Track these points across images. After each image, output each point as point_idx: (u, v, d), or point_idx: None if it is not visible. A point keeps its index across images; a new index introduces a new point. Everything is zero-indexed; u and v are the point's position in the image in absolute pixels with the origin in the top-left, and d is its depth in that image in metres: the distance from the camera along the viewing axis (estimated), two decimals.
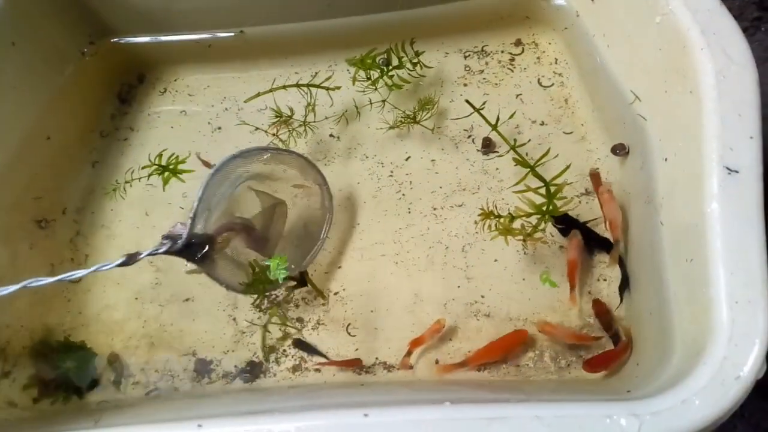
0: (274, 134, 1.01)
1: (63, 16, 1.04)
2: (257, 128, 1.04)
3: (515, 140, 0.77)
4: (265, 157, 0.90)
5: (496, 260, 0.89)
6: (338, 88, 0.99)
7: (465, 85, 1.04)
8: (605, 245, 0.87)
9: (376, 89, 0.99)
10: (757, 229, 0.60)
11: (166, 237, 0.77)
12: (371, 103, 1.02)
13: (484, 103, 0.82)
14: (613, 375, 0.77)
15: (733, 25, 0.71)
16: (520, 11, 1.05)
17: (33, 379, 0.88)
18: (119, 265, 0.73)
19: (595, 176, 0.90)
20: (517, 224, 0.81)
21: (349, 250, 0.94)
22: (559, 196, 0.77)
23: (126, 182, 0.98)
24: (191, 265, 0.81)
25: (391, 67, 0.96)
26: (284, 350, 0.88)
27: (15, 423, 0.83)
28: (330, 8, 1.04)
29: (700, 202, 0.63)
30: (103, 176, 1.06)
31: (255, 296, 0.91)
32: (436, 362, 0.84)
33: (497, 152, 0.98)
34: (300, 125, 1.00)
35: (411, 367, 0.84)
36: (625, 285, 0.83)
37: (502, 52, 1.06)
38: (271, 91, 0.98)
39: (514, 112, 0.92)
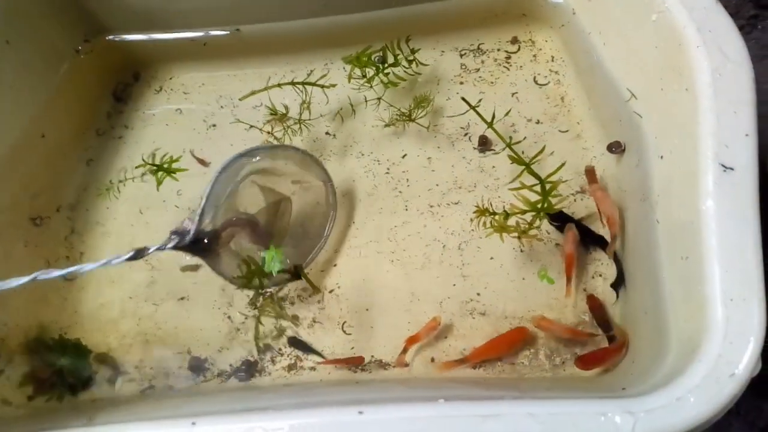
0: (269, 132, 1.01)
1: (58, 14, 1.04)
2: (252, 126, 1.04)
3: (510, 138, 0.77)
4: (270, 153, 0.90)
5: (492, 258, 0.89)
6: (334, 85, 0.99)
7: (461, 83, 1.04)
8: (600, 242, 0.87)
9: (371, 87, 0.99)
10: (752, 227, 0.60)
11: (174, 232, 0.78)
12: (366, 101, 1.01)
13: (479, 101, 0.82)
14: (608, 372, 0.77)
15: (729, 23, 0.70)
16: (517, 8, 1.05)
17: (28, 377, 0.87)
18: (129, 260, 0.74)
19: (590, 172, 0.90)
20: (512, 222, 0.81)
21: (345, 248, 0.94)
22: (555, 193, 0.77)
23: (119, 182, 0.98)
24: (187, 261, 0.81)
25: (386, 65, 0.96)
26: (279, 349, 0.88)
27: (9, 421, 0.82)
28: (326, 6, 1.04)
29: (696, 199, 0.63)
30: (98, 174, 1.05)
31: (251, 293, 0.91)
32: (432, 360, 0.84)
33: (493, 150, 0.97)
34: (295, 123, 1.00)
35: (407, 365, 0.84)
36: (620, 282, 0.83)
37: (498, 50, 1.06)
38: (266, 89, 0.98)
39: (509, 110, 0.92)
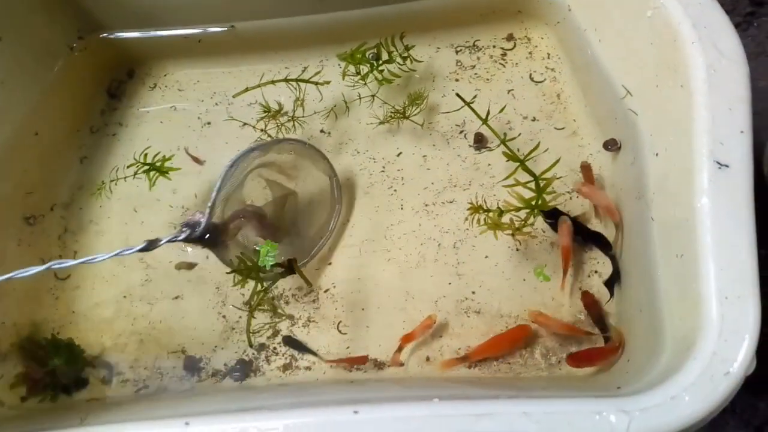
0: (262, 129, 1.01)
1: (51, 11, 1.03)
2: (245, 123, 1.03)
3: (505, 135, 0.76)
4: (276, 147, 0.91)
5: (487, 257, 0.89)
6: (328, 83, 0.98)
7: (457, 80, 1.04)
8: (597, 239, 0.86)
9: (365, 84, 0.98)
10: (747, 224, 0.60)
11: (185, 224, 0.79)
12: (360, 98, 1.01)
13: (474, 97, 0.82)
14: (604, 371, 0.77)
15: (724, 19, 0.70)
16: (513, 5, 1.04)
17: (20, 377, 0.87)
18: (140, 251, 0.74)
19: (585, 169, 0.90)
20: (506, 219, 0.81)
21: (340, 247, 0.94)
22: (550, 190, 0.76)
23: (111, 181, 0.98)
24: (182, 259, 0.81)
25: (380, 62, 0.95)
26: (274, 348, 0.88)
27: (2, 422, 0.82)
28: (321, 2, 1.03)
29: (691, 197, 0.63)
30: (92, 172, 1.05)
31: (246, 292, 0.91)
32: (427, 359, 0.84)
33: (489, 148, 0.97)
34: (288, 120, 0.99)
35: (402, 364, 0.84)
36: (614, 279, 0.83)
37: (494, 47, 1.06)
38: (259, 86, 0.97)
39: (504, 106, 0.92)
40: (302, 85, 0.98)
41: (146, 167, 0.92)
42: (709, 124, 0.65)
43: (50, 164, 1.03)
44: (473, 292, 0.87)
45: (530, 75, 1.02)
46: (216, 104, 1.08)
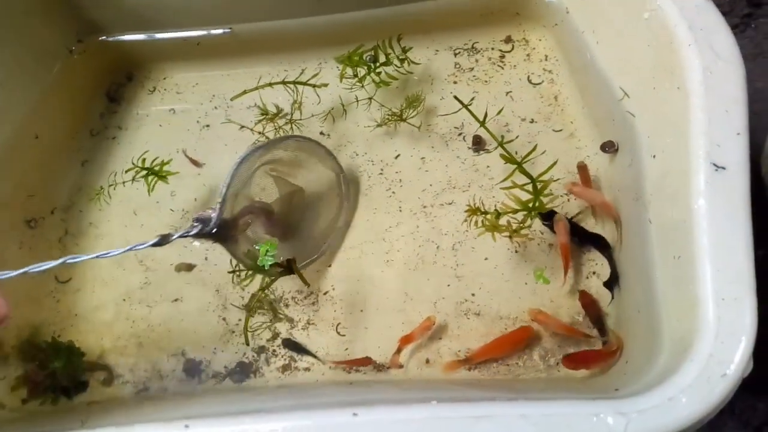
0: (259, 132, 1.01)
1: (50, 14, 1.04)
2: (243, 126, 1.03)
3: (502, 137, 0.76)
4: (282, 144, 0.91)
5: (486, 259, 0.89)
6: (325, 85, 0.98)
7: (455, 82, 1.04)
8: (594, 241, 0.87)
9: (362, 87, 0.98)
10: (744, 226, 0.60)
11: (197, 219, 0.79)
12: (358, 101, 1.01)
13: (472, 100, 0.82)
14: (603, 373, 0.77)
15: (721, 21, 0.70)
16: (511, 7, 1.05)
17: (21, 379, 0.87)
18: (153, 245, 0.74)
19: (582, 169, 0.90)
20: (504, 221, 0.81)
21: (339, 249, 0.94)
22: (547, 192, 0.76)
23: (110, 185, 0.98)
24: (181, 261, 0.81)
25: (378, 64, 0.95)
26: (274, 350, 0.88)
27: (3, 424, 0.82)
28: (320, 5, 1.04)
29: (688, 198, 0.63)
30: (92, 175, 1.05)
31: (246, 294, 0.91)
32: (426, 361, 0.84)
33: (487, 150, 0.97)
34: (286, 123, 1.00)
35: (401, 366, 0.84)
36: (614, 280, 0.83)
37: (492, 49, 1.06)
38: (256, 88, 0.98)
39: (502, 108, 0.92)
40: (300, 87, 0.98)
41: (144, 172, 0.92)
42: (706, 126, 0.65)
43: (50, 167, 1.03)
44: (472, 294, 0.87)
45: (528, 77, 1.02)
46: (215, 107, 1.09)
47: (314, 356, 0.86)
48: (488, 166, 0.96)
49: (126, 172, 0.94)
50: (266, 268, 0.80)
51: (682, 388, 0.55)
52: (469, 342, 0.84)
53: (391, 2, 1.03)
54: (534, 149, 0.76)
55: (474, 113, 0.77)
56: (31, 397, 0.86)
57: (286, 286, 0.91)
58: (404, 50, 0.96)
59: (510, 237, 0.86)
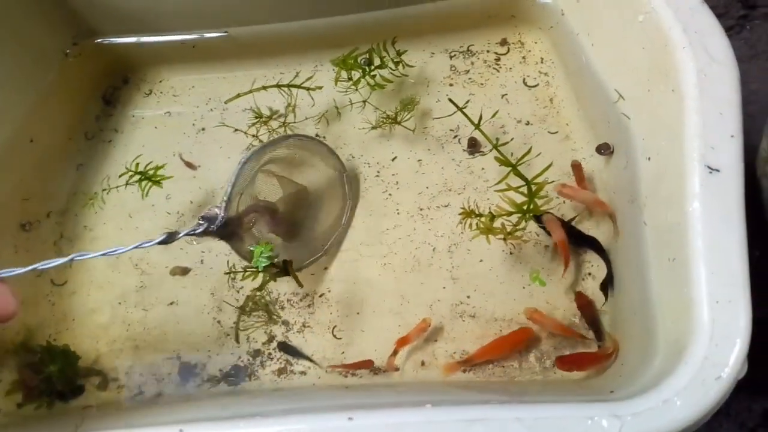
0: (253, 135, 1.01)
1: (45, 17, 1.03)
2: (236, 129, 1.03)
3: (497, 139, 0.77)
4: (285, 143, 0.91)
5: (481, 261, 0.89)
6: (320, 88, 0.98)
7: (451, 85, 1.04)
8: (590, 243, 0.87)
9: (357, 90, 0.98)
10: (738, 229, 0.60)
11: (203, 218, 0.80)
12: (352, 104, 1.01)
13: (467, 102, 0.82)
14: (598, 375, 0.77)
15: (715, 24, 0.70)
16: (506, 10, 1.05)
17: (17, 384, 0.87)
18: (160, 243, 0.74)
19: (576, 167, 0.90)
20: (498, 223, 0.81)
21: (335, 251, 0.94)
22: (542, 195, 0.76)
23: (104, 190, 0.98)
24: (177, 262, 0.81)
25: (372, 67, 0.95)
26: (269, 354, 0.88)
27: None
28: (315, 8, 1.04)
29: (682, 201, 0.63)
30: (88, 178, 1.05)
31: (241, 297, 0.91)
32: (422, 363, 0.84)
33: (483, 152, 0.97)
34: (280, 126, 1.00)
35: (397, 369, 0.84)
36: (609, 282, 0.83)
37: (488, 51, 1.06)
38: (250, 92, 0.98)
39: (497, 111, 0.92)
40: (294, 90, 0.98)
41: (138, 176, 0.92)
42: (700, 128, 0.65)
43: (46, 170, 1.03)
44: (468, 296, 0.87)
45: (524, 79, 1.02)
46: (211, 110, 1.09)
47: (310, 360, 0.86)
48: (483, 169, 0.96)
49: (120, 176, 0.94)
50: (260, 270, 0.80)
51: (677, 391, 0.55)
52: (464, 344, 0.84)
53: (389, 5, 1.03)
54: (529, 151, 0.77)
55: (469, 116, 0.77)
56: (26, 402, 0.86)
57: (282, 288, 0.91)
58: (399, 53, 0.96)
59: (504, 239, 0.86)
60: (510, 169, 0.75)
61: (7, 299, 0.60)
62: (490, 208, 0.81)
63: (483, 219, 0.81)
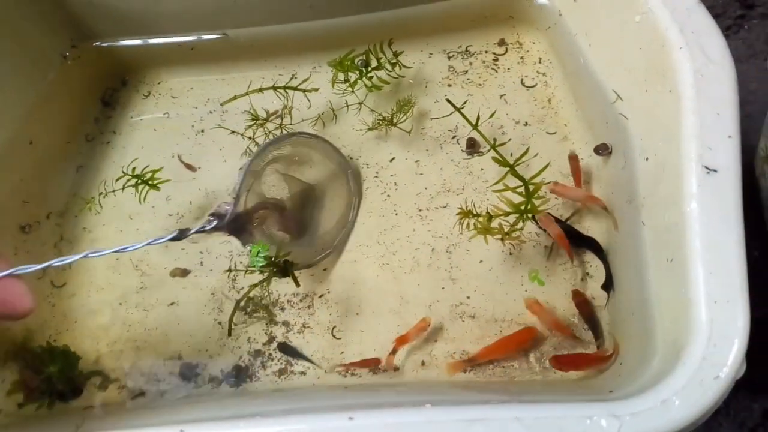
0: (250, 137, 1.01)
1: (44, 20, 1.03)
2: (233, 131, 1.04)
3: (495, 140, 0.77)
4: (290, 141, 0.92)
5: (481, 261, 0.90)
6: (316, 89, 0.99)
7: (449, 85, 1.04)
8: (588, 243, 0.87)
9: (353, 91, 0.98)
10: (736, 229, 0.60)
11: (212, 214, 0.81)
12: (348, 105, 1.02)
13: (465, 102, 0.82)
14: (598, 375, 0.77)
15: (711, 24, 0.71)
16: (504, 11, 1.05)
17: (17, 384, 0.87)
18: (172, 239, 0.75)
19: (573, 159, 0.90)
20: (496, 224, 0.81)
21: (334, 252, 0.94)
22: (538, 195, 0.77)
23: (100, 194, 0.99)
24: (177, 263, 0.81)
25: (369, 69, 0.95)
26: (270, 354, 0.88)
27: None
28: (312, 10, 1.04)
29: (680, 201, 0.63)
30: (87, 180, 1.05)
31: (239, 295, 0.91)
32: (422, 364, 0.84)
33: (481, 153, 0.98)
34: (276, 128, 1.00)
35: (396, 369, 0.84)
36: (609, 283, 0.83)
37: (486, 52, 1.06)
38: (247, 93, 0.98)
39: (495, 111, 0.92)
40: (290, 92, 0.98)
41: (135, 180, 0.92)
42: (698, 128, 0.65)
43: (45, 172, 1.03)
44: (467, 297, 0.88)
45: (522, 80, 1.03)
46: (209, 111, 1.09)
47: (309, 360, 0.87)
48: (482, 169, 0.96)
49: (116, 180, 0.94)
50: (256, 268, 0.81)
51: (675, 391, 0.55)
52: (464, 344, 0.84)
53: (386, 6, 1.03)
54: (526, 152, 0.77)
55: (467, 116, 0.78)
56: (27, 402, 0.86)
57: (281, 289, 0.91)
58: (395, 54, 0.96)
59: (502, 239, 0.86)
60: (507, 169, 0.75)
61: (24, 296, 0.61)
62: (487, 209, 0.82)
63: (480, 219, 0.81)
